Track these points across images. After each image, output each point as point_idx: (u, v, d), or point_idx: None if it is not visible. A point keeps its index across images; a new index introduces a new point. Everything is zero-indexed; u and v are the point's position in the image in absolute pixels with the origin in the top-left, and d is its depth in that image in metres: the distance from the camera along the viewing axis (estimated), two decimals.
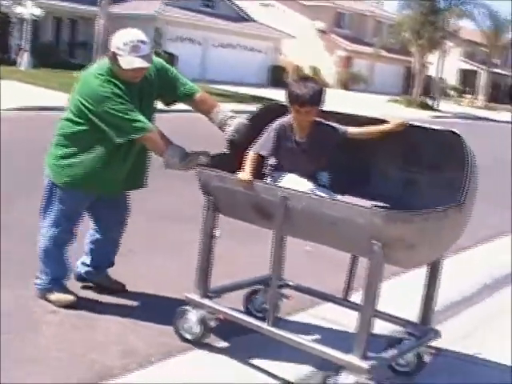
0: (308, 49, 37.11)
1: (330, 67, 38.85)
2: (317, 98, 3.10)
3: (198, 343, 3.29)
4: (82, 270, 3.87)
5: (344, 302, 3.50)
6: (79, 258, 3.86)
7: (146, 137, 3.30)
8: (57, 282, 3.65)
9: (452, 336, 3.59)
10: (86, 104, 3.32)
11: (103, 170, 3.45)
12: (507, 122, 25.19)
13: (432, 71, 36.99)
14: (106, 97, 3.27)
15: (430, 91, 35.37)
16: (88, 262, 3.84)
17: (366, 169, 3.40)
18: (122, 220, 3.78)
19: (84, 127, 3.40)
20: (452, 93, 45.64)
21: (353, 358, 2.76)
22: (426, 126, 3.14)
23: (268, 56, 34.68)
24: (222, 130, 3.41)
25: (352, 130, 3.23)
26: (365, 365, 2.73)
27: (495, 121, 29.65)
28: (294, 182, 3.11)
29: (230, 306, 3.35)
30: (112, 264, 3.88)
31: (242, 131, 3.34)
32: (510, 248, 5.81)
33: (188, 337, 3.33)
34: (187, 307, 3.32)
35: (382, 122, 3.23)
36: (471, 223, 2.93)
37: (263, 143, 3.19)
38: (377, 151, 3.33)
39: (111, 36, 3.40)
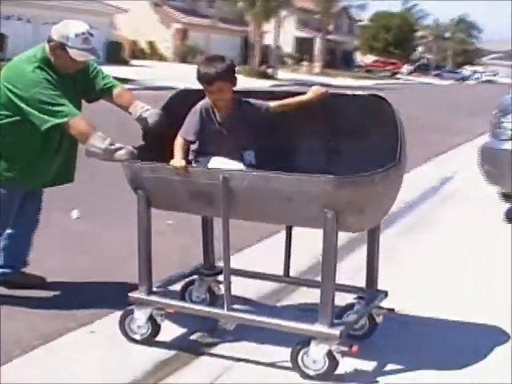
0: (143, 22, 36.33)
1: (167, 40, 38.40)
2: (225, 73, 3.00)
3: (148, 342, 3.14)
4: None
5: (286, 278, 3.50)
6: None
7: (70, 123, 3.16)
8: None
9: None
10: (15, 90, 3.17)
11: (37, 163, 3.33)
12: (342, 87, 26.55)
13: (269, 40, 37.85)
14: (36, 81, 3.16)
15: (268, 60, 36.24)
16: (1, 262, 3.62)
17: (290, 145, 3.36)
18: (38, 217, 3.60)
19: (13, 119, 3.25)
20: (289, 61, 47.13)
21: (322, 327, 2.77)
22: (348, 93, 3.20)
23: (102, 32, 33.43)
24: (140, 123, 3.33)
25: (273, 104, 3.17)
26: (336, 331, 2.76)
27: (331, 85, 31.12)
28: (221, 165, 3.02)
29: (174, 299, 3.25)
30: (26, 263, 3.68)
31: (156, 121, 3.26)
32: None
33: (137, 337, 3.16)
34: (132, 307, 3.15)
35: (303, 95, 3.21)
36: None
37: (188, 128, 3.09)
38: (300, 125, 3.30)
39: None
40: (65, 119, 3.15)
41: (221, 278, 3.44)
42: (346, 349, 2.78)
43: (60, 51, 3.22)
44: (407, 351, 3.14)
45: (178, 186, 2.97)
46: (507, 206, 6.21)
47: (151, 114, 3.29)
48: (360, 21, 62.64)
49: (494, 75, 64.87)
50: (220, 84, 2.99)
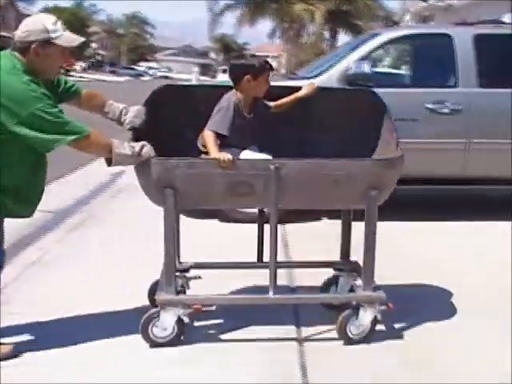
0: None
1: None
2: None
3: (172, 344, 3.09)
4: None
5: (259, 263, 3.59)
6: None
7: (89, 138, 2.83)
8: None
9: None
10: (8, 109, 2.67)
11: (24, 188, 2.89)
12: None
13: None
14: (35, 97, 2.69)
15: None
16: None
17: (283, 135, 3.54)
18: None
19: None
20: None
21: (369, 293, 3.11)
22: (337, 87, 3.53)
23: None
24: (120, 122, 3.20)
25: (275, 103, 3.41)
26: (382, 294, 3.13)
27: None
28: (252, 156, 3.16)
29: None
30: None
31: (141, 117, 3.18)
32: None
33: (161, 341, 3.08)
34: (157, 310, 3.06)
35: (293, 89, 3.46)
36: None
37: (222, 122, 3.13)
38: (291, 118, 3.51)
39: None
40: (85, 133, 2.80)
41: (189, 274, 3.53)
42: (385, 308, 3.16)
43: (45, 49, 2.79)
44: None
45: (216, 180, 2.96)
46: None
47: (137, 110, 3.17)
48: (29, 15, 59.85)
49: (169, 71, 68.26)
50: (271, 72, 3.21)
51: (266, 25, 34.11)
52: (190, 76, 31.46)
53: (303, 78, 5.57)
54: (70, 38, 2.87)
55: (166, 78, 59.79)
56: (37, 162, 2.90)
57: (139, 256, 4.37)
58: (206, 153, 3.18)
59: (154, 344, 3.09)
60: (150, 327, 3.08)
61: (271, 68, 3.26)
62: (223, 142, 3.15)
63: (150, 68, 70.78)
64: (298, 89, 3.46)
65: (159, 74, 66.42)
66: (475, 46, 5.62)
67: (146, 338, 3.09)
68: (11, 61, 2.78)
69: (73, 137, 2.76)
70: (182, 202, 3.00)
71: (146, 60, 76.62)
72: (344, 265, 3.59)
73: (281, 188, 2.96)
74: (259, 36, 44.44)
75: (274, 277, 3.10)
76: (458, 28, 5.94)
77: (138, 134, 3.13)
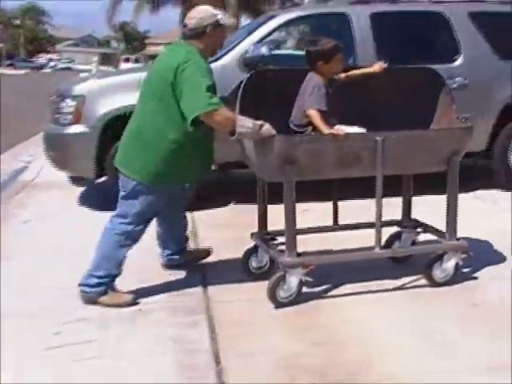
0: None
1: None
2: None
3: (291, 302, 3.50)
4: (167, 260, 4.04)
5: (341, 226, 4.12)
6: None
7: (219, 111, 3.30)
8: (111, 282, 3.55)
9: None
10: (172, 75, 3.32)
11: (188, 161, 3.50)
12: None
13: None
14: (196, 63, 3.35)
15: None
16: (166, 252, 4.01)
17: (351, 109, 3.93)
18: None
19: (164, 116, 3.39)
20: None
21: (454, 241, 3.68)
22: (401, 66, 4.06)
23: None
24: None
25: (345, 74, 3.81)
26: (465, 243, 3.70)
27: None
28: (350, 130, 3.53)
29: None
30: (187, 239, 4.08)
31: None
32: None
33: (285, 301, 3.49)
34: (283, 272, 3.46)
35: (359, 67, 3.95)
36: None
37: (321, 100, 3.53)
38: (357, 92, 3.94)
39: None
40: (214, 108, 3.28)
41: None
42: (465, 256, 3.74)
43: (214, 31, 3.49)
44: None
45: (331, 153, 3.41)
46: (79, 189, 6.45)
47: None
48: None
49: (71, 62, 66.34)
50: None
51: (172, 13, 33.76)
52: (90, 66, 31.10)
53: None
54: (228, 19, 3.64)
55: (69, 69, 58.07)
56: (195, 139, 3.48)
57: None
58: (301, 132, 3.61)
59: (280, 305, 3.45)
60: (277, 291, 3.45)
61: (342, 49, 3.63)
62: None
63: (51, 60, 68.53)
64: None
65: (60, 65, 64.44)
66: (372, 25, 5.73)
67: (274, 300, 3.46)
68: (185, 48, 3.51)
69: (209, 109, 3.26)
70: (300, 174, 3.40)
71: (47, 52, 74.00)
72: (407, 222, 4.15)
73: (384, 157, 3.45)
74: (166, 23, 44.27)
75: (379, 234, 3.61)
76: (354, 7, 5.98)
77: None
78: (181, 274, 3.97)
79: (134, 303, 3.52)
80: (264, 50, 5.43)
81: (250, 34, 5.74)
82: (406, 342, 3.06)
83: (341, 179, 3.75)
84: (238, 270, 3.92)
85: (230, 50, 5.58)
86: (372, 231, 3.71)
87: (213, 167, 4.16)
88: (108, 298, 3.51)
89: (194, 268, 4.05)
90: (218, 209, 5.57)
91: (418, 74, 4.04)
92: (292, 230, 3.46)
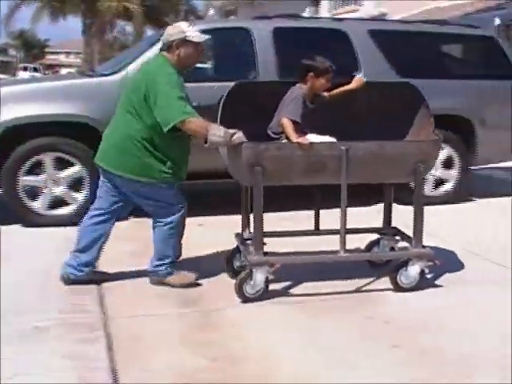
0: None
1: None
2: None
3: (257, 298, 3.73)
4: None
5: (317, 231, 4.29)
6: None
7: (192, 119, 3.58)
8: (175, 263, 3.99)
9: None
10: (144, 85, 3.61)
11: (184, 159, 3.89)
12: None
13: None
14: (172, 80, 3.62)
15: None
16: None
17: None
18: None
19: (141, 121, 3.69)
20: None
21: (420, 249, 3.84)
22: (380, 81, 4.21)
23: None
24: None
25: (328, 94, 4.04)
26: (430, 251, 3.86)
27: None
28: (316, 139, 3.73)
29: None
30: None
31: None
32: None
33: (251, 296, 3.73)
34: (249, 270, 3.70)
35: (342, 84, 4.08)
36: None
37: (296, 111, 3.76)
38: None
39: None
40: (187, 117, 3.56)
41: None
42: (431, 264, 3.88)
43: (183, 46, 3.70)
44: None
45: (297, 160, 3.62)
46: None
47: None
48: None
49: None
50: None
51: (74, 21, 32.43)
52: None
53: (101, 75, 5.70)
54: (199, 37, 3.77)
55: None
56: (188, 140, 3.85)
57: None
58: (277, 138, 3.83)
59: (246, 300, 3.70)
60: (244, 286, 3.70)
61: (333, 71, 3.88)
62: (295, 128, 3.75)
63: None
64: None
65: None
66: (274, 39, 5.79)
67: (241, 295, 3.71)
68: (159, 60, 3.81)
69: (183, 118, 3.53)
70: (267, 179, 3.63)
71: None
72: (387, 230, 4.31)
73: (349, 166, 3.64)
74: (67, 32, 42.95)
75: (343, 239, 3.79)
76: (256, 22, 6.03)
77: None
78: (78, 290, 3.91)
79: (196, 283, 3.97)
80: None
81: (151, 46, 5.61)
82: (303, 355, 3.08)
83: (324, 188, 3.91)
84: (137, 285, 4.01)
85: (130, 63, 5.54)
86: (353, 237, 3.88)
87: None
88: (175, 277, 3.96)
89: (92, 283, 3.99)
90: (118, 222, 5.21)
91: (396, 88, 4.21)
92: (259, 232, 3.70)
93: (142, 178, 3.76)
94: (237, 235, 4.17)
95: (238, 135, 3.57)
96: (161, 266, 3.97)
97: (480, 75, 6.47)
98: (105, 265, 4.17)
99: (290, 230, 4.40)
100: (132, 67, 5.40)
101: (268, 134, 3.92)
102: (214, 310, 3.66)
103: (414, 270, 3.86)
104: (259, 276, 3.71)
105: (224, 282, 4.01)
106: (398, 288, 3.88)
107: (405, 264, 3.88)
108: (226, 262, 4.18)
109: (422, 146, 3.78)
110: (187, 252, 4.24)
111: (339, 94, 4.07)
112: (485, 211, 6.17)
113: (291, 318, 3.55)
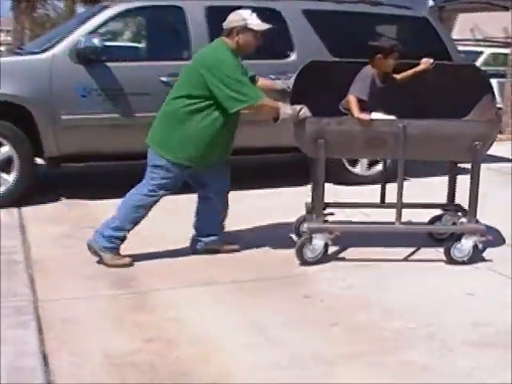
0: None
1: None
2: None
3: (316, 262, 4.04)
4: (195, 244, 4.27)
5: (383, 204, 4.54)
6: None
7: (265, 100, 3.85)
8: (117, 244, 3.93)
9: None
10: (210, 74, 3.73)
11: (214, 144, 3.89)
12: None
13: None
14: (233, 65, 3.79)
15: None
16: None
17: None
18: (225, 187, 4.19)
19: (198, 104, 3.80)
20: None
21: (473, 224, 4.02)
22: (446, 63, 4.36)
23: None
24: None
25: (400, 75, 4.25)
26: (483, 227, 4.04)
27: None
28: (379, 117, 4.00)
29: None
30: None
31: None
32: None
33: (309, 260, 4.04)
34: (309, 236, 4.01)
35: (411, 65, 4.28)
36: None
37: (362, 89, 4.01)
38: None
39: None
40: (259, 99, 3.80)
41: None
42: (484, 239, 4.05)
43: (243, 33, 3.85)
44: None
45: (357, 135, 3.90)
46: None
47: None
48: None
49: None
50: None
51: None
52: None
53: (30, 53, 5.52)
54: (259, 25, 3.89)
55: None
56: (224, 125, 3.90)
57: None
58: (346, 114, 4.10)
59: (304, 262, 4.03)
60: (304, 250, 4.03)
61: (398, 50, 4.09)
62: (361, 106, 4.04)
63: None
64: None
65: None
66: (207, 18, 5.67)
67: (300, 258, 4.04)
68: (219, 45, 3.92)
69: (255, 101, 3.77)
70: (330, 151, 3.93)
71: None
72: (450, 206, 4.50)
73: (407, 142, 3.87)
74: None
75: (399, 212, 4.02)
76: (189, 0, 5.84)
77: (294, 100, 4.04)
78: (9, 273, 3.78)
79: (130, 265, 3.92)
80: (96, 42, 5.25)
81: (82, 24, 5.55)
82: (240, 337, 3.05)
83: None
84: (68, 267, 3.90)
85: (60, 40, 5.42)
86: (414, 211, 4.01)
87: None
88: (109, 256, 3.91)
89: (23, 266, 3.92)
90: (49, 204, 5.14)
91: (462, 70, 4.37)
92: (321, 200, 4.04)
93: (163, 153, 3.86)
94: (306, 204, 4.49)
95: (304, 110, 3.88)
96: (107, 231, 3.91)
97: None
98: (34, 248, 4.16)
99: (356, 201, 4.67)
100: (63, 45, 5.34)
101: (339, 110, 4.21)
102: (148, 291, 3.61)
103: (467, 244, 4.04)
104: (318, 242, 4.03)
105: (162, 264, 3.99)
106: (450, 261, 4.08)
107: (459, 238, 4.07)
108: (294, 228, 4.51)
109: (479, 125, 3.95)
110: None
111: (409, 76, 4.27)
112: None
113: (227, 299, 3.52)
